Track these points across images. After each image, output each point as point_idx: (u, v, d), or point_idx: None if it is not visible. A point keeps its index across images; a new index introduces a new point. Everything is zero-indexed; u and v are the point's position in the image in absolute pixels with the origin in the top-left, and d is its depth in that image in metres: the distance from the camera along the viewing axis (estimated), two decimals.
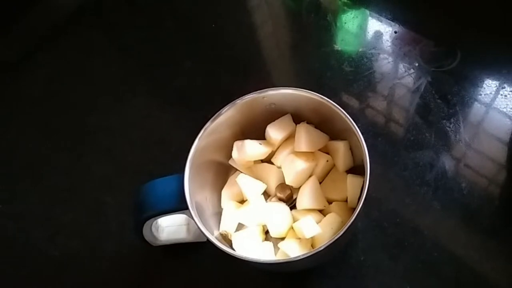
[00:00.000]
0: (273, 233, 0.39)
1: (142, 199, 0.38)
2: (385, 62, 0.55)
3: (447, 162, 0.46)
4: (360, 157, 0.37)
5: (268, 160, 0.43)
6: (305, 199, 0.40)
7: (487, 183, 0.45)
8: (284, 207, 0.41)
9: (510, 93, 0.50)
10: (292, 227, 0.39)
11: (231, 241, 0.39)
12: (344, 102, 0.52)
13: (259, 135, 0.43)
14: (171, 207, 0.37)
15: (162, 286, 0.45)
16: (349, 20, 0.60)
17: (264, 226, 0.40)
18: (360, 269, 0.42)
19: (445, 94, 0.50)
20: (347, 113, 0.38)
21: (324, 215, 0.39)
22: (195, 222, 0.35)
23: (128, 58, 0.64)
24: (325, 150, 0.42)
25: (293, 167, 0.40)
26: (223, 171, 0.44)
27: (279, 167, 0.42)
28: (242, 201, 0.42)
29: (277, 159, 0.42)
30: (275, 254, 0.39)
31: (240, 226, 0.41)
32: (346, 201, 0.40)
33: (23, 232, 0.50)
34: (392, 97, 0.52)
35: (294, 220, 0.40)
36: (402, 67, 0.54)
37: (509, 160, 0.46)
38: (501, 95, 0.50)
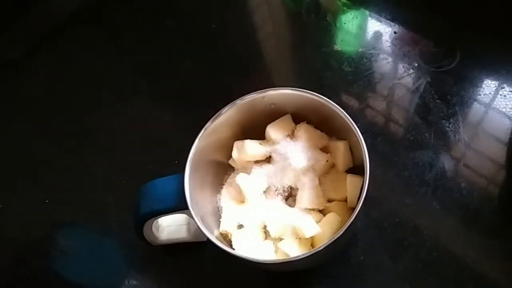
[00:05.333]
0: (272, 233, 0.39)
1: (142, 199, 0.38)
2: (384, 63, 0.55)
3: (447, 162, 0.46)
4: (359, 157, 0.37)
5: (268, 160, 0.43)
6: (305, 199, 0.40)
7: (486, 183, 0.45)
8: (284, 207, 0.41)
9: (509, 93, 0.50)
10: (292, 227, 0.39)
11: (231, 241, 0.39)
12: (344, 102, 0.53)
13: (259, 135, 0.43)
14: (171, 206, 0.37)
15: (162, 286, 0.45)
16: (349, 20, 0.60)
17: (264, 226, 0.40)
18: (360, 268, 0.42)
19: (445, 94, 0.51)
20: (347, 113, 0.38)
21: (324, 215, 0.39)
22: (195, 222, 0.35)
23: (128, 58, 0.64)
24: (325, 150, 0.42)
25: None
26: (223, 171, 0.44)
27: None
28: (242, 201, 0.42)
29: None
30: (275, 254, 0.39)
31: (240, 226, 0.41)
32: (346, 201, 0.40)
33: (23, 232, 0.50)
34: (392, 97, 0.52)
35: (294, 219, 0.40)
36: (401, 67, 0.54)
37: (508, 160, 0.46)
38: (501, 95, 0.50)
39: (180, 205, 0.36)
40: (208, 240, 0.35)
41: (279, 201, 0.41)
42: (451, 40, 0.55)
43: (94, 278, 0.46)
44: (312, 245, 0.38)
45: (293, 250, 0.37)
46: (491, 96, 0.50)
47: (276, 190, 0.41)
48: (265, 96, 0.41)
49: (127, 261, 0.46)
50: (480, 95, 0.50)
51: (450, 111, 0.49)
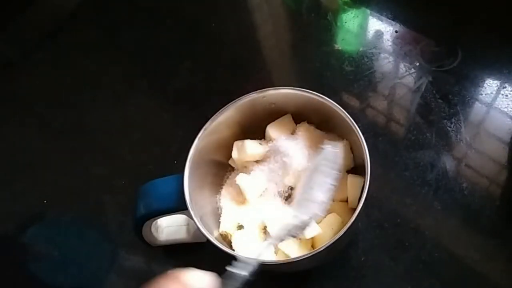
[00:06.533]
0: (273, 233, 0.39)
1: (142, 199, 0.38)
2: (385, 62, 0.55)
3: (448, 162, 0.46)
4: (360, 157, 0.37)
5: (268, 160, 0.43)
6: None
7: (488, 183, 0.45)
8: (284, 207, 0.40)
9: (511, 92, 0.50)
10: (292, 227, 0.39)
11: (231, 241, 0.39)
12: (345, 102, 0.52)
13: (259, 135, 0.43)
14: (171, 207, 0.37)
15: None
16: (350, 19, 0.60)
17: (264, 226, 0.40)
18: (361, 269, 0.42)
19: (446, 93, 0.50)
20: (348, 113, 0.38)
21: (325, 215, 0.39)
22: (195, 223, 0.35)
23: (128, 57, 0.64)
24: None
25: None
26: (223, 171, 0.44)
27: None
28: (242, 202, 0.42)
29: None
30: (275, 254, 0.39)
31: (240, 227, 0.41)
32: (347, 201, 0.40)
33: (23, 232, 0.50)
34: (393, 97, 0.52)
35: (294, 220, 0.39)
36: (402, 67, 0.54)
37: (510, 160, 0.46)
38: (502, 94, 0.50)
39: (180, 206, 0.36)
40: (208, 241, 0.35)
41: (279, 201, 0.41)
42: (453, 39, 0.55)
43: (93, 278, 0.46)
44: (313, 246, 0.38)
45: (294, 251, 0.37)
46: (492, 95, 0.50)
47: (276, 190, 0.41)
48: (265, 96, 0.41)
49: (126, 261, 0.46)
50: (481, 94, 0.50)
51: (451, 110, 0.49)
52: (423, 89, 0.51)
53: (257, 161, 0.43)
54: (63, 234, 0.50)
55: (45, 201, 0.51)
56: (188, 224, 0.43)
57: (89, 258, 0.47)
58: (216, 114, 0.40)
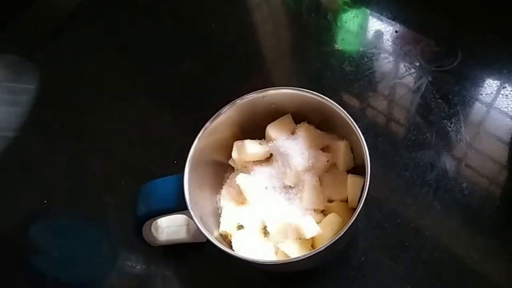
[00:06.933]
0: (273, 234, 0.39)
1: (142, 199, 0.38)
2: (385, 62, 0.55)
3: (448, 162, 0.46)
4: (360, 157, 0.37)
5: (268, 160, 0.43)
6: (305, 199, 0.39)
7: (488, 183, 0.45)
8: (285, 207, 0.40)
9: (511, 92, 0.50)
10: (292, 228, 0.39)
11: (231, 241, 0.39)
12: (345, 102, 0.52)
13: (259, 135, 0.43)
14: (171, 207, 0.37)
15: (162, 287, 0.44)
16: (350, 19, 0.60)
17: (264, 227, 0.40)
18: (361, 269, 0.42)
19: (446, 93, 0.50)
20: (348, 113, 0.38)
21: (325, 215, 0.39)
22: (195, 223, 0.35)
23: (128, 57, 0.64)
24: (326, 150, 0.42)
25: None
26: (223, 171, 0.44)
27: None
28: (242, 202, 0.42)
29: None
30: (275, 254, 0.39)
31: (240, 227, 0.40)
32: (347, 201, 0.40)
33: (23, 232, 0.50)
34: (393, 97, 0.52)
35: (294, 220, 0.39)
36: (402, 67, 0.54)
37: (510, 160, 0.46)
38: (502, 94, 0.50)
39: (180, 206, 0.36)
40: (208, 241, 0.35)
41: (279, 201, 0.41)
42: (453, 39, 0.55)
43: (93, 278, 0.46)
44: (313, 246, 0.38)
45: (294, 251, 0.36)
46: (492, 95, 0.50)
47: (276, 190, 0.41)
48: (265, 96, 0.41)
49: (126, 262, 0.46)
50: (481, 94, 0.50)
51: (451, 110, 0.49)
52: (423, 89, 0.51)
53: (257, 161, 0.43)
54: (63, 234, 0.50)
55: (45, 201, 0.51)
56: (188, 224, 0.43)
57: (89, 258, 0.47)
58: (216, 114, 0.40)
